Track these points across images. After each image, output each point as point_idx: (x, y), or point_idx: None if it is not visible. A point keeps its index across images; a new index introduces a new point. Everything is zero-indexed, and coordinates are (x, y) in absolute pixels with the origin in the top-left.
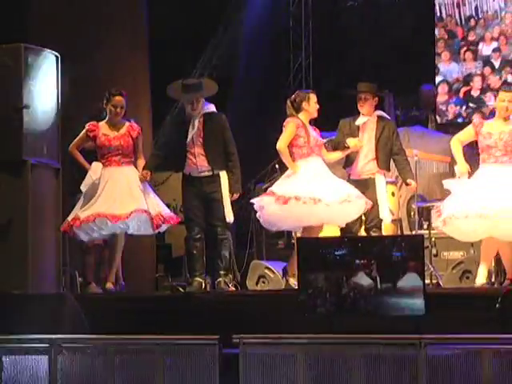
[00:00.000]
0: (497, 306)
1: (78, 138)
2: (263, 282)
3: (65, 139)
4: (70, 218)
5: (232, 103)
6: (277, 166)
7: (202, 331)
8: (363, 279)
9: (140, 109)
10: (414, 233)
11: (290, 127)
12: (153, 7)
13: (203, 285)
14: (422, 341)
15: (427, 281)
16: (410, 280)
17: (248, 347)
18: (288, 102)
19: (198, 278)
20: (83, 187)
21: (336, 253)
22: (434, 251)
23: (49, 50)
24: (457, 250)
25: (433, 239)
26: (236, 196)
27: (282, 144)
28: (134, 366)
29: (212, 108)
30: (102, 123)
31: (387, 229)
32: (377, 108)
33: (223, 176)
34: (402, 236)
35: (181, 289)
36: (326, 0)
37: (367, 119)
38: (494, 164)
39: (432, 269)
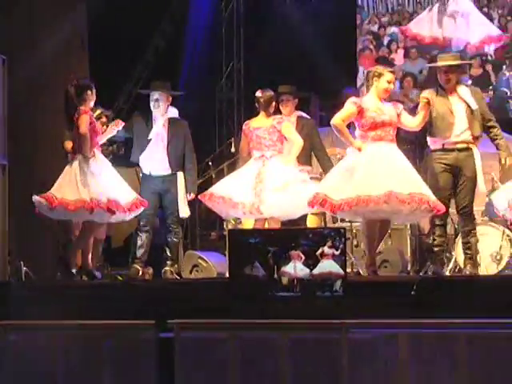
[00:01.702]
0: (412, 292)
1: (85, 122)
2: (197, 271)
3: (12, 137)
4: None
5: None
6: (210, 163)
7: (141, 317)
8: (288, 268)
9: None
10: (336, 225)
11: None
12: (93, 9)
13: (140, 272)
14: (344, 325)
15: (348, 269)
16: (332, 268)
17: (182, 331)
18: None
19: (135, 265)
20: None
21: (261, 244)
22: (354, 242)
23: None
24: None
25: (354, 231)
26: (192, 196)
27: None
28: (77, 350)
29: (175, 113)
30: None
31: (312, 221)
32: (298, 109)
33: (180, 176)
34: (326, 228)
35: (119, 277)
36: (256, 7)
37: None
38: (390, 142)
39: (353, 258)
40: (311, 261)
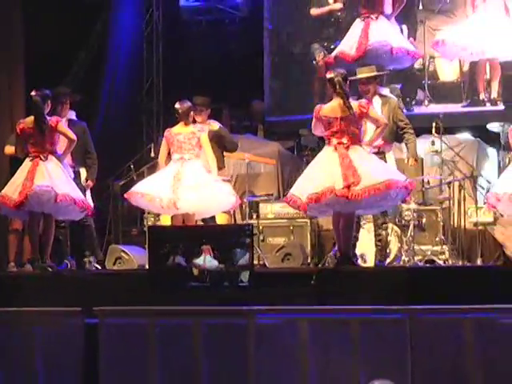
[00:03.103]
0: (312, 282)
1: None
2: (119, 263)
3: None
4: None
5: (97, 114)
6: (131, 166)
7: (69, 304)
8: (200, 261)
9: (15, 116)
10: (245, 222)
11: None
12: (28, 21)
13: (69, 265)
14: (251, 312)
15: (255, 262)
16: (240, 261)
17: (106, 318)
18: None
19: (65, 260)
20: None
21: (177, 239)
22: (261, 237)
23: None
24: (280, 237)
25: (260, 227)
26: (90, 184)
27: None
28: (8, 336)
29: (73, 115)
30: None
31: (222, 219)
32: (210, 117)
33: (83, 172)
34: (235, 225)
35: (49, 268)
36: (174, 27)
37: (203, 127)
38: None
39: (259, 252)
40: (220, 254)
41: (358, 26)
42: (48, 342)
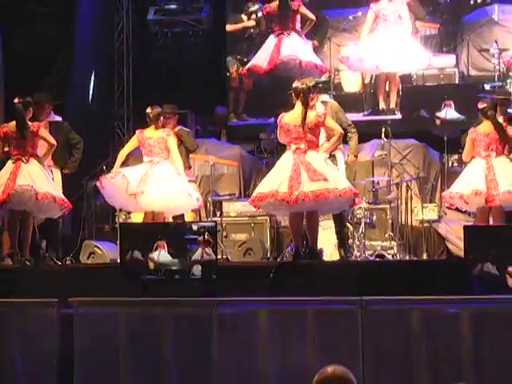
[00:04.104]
0: (271, 275)
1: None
2: (93, 258)
3: None
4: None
5: (71, 118)
6: (104, 167)
7: (47, 296)
8: (155, 255)
9: None
10: (209, 219)
11: None
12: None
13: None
14: (214, 303)
15: (219, 256)
16: (193, 256)
17: (80, 307)
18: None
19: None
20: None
21: (136, 236)
22: (224, 233)
23: None
24: (241, 233)
25: (223, 225)
26: (66, 171)
27: None
28: None
29: (58, 118)
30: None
31: (189, 216)
32: (179, 123)
33: (56, 173)
34: (189, 223)
35: (28, 262)
36: (142, 38)
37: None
38: None
39: (223, 247)
40: (173, 249)
41: (271, 41)
42: (26, 330)
